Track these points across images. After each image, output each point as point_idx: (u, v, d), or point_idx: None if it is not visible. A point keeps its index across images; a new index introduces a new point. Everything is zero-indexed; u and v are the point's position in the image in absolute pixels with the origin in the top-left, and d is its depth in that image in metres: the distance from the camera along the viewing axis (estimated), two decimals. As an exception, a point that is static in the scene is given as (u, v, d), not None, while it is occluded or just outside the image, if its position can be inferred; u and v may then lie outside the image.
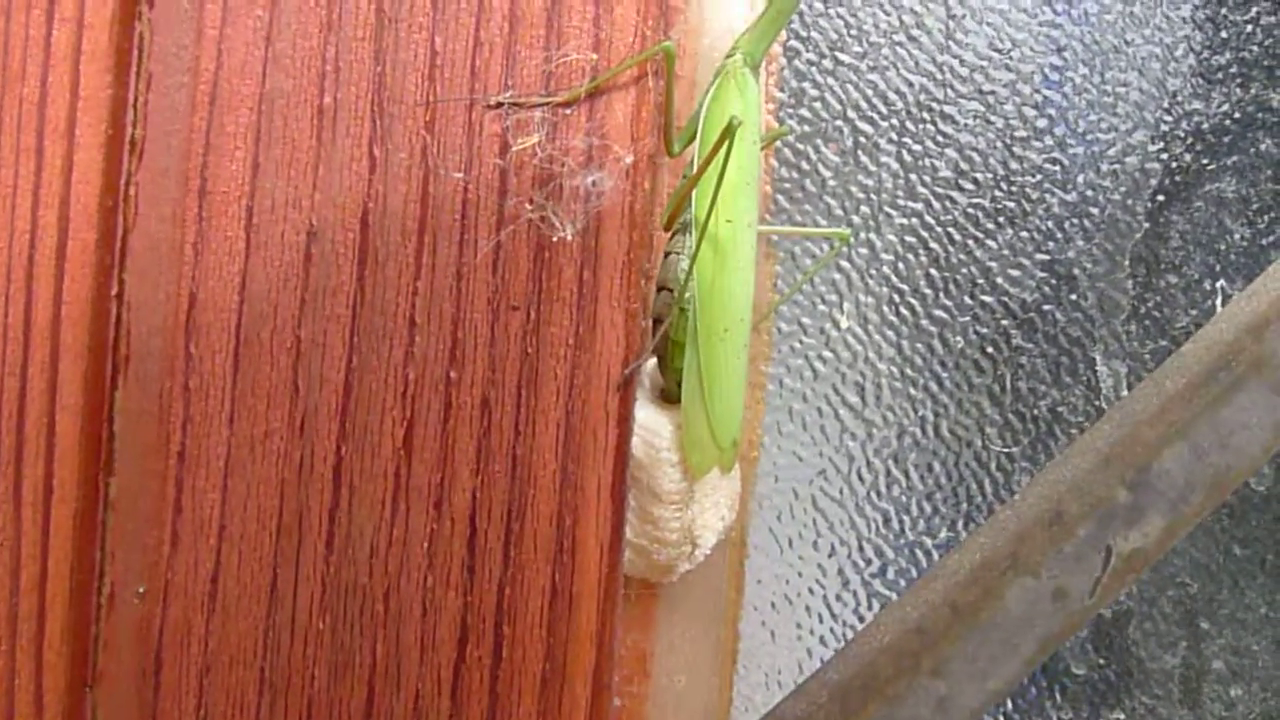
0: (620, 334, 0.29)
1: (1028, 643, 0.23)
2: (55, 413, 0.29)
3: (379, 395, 0.29)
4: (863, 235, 0.36)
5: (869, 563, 0.36)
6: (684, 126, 0.32)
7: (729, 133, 0.28)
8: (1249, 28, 0.37)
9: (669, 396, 0.33)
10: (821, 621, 0.37)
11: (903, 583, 0.36)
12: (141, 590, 0.29)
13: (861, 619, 0.36)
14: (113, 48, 0.29)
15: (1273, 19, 0.37)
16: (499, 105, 0.28)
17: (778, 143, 0.36)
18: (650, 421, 0.32)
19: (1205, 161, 0.37)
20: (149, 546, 0.29)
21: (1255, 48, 0.37)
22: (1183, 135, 0.37)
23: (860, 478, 0.37)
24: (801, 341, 0.37)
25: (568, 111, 0.29)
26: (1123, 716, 0.37)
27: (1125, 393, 0.37)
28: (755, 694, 0.36)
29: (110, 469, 0.29)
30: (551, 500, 0.29)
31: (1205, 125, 0.37)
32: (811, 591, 0.37)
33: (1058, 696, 0.37)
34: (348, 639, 0.29)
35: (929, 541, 0.36)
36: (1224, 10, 0.37)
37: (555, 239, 0.28)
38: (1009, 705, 0.37)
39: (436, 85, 0.29)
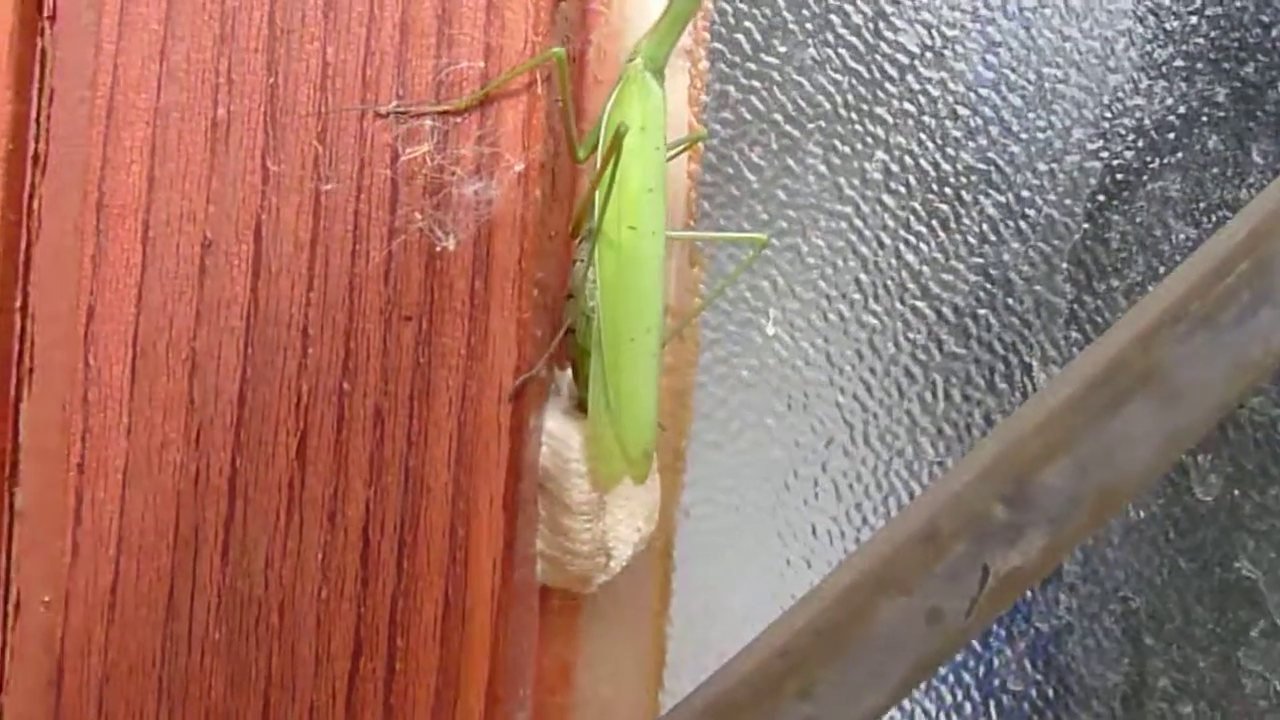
0: (512, 344, 0.28)
1: (900, 664, 0.23)
2: (-40, 424, 0.29)
3: (273, 406, 0.29)
4: (789, 240, 0.36)
5: (797, 572, 0.36)
6: (588, 132, 0.31)
7: (618, 140, 0.27)
8: (1194, 19, 0.36)
9: (583, 406, 0.33)
10: (752, 628, 0.36)
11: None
12: (47, 599, 0.29)
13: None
14: (14, 64, 0.29)
15: (1219, 9, 0.36)
16: (390, 114, 0.28)
17: (701, 147, 0.35)
18: (560, 431, 0.32)
19: (1148, 160, 0.36)
20: (52, 556, 0.29)
21: (1201, 40, 0.36)
22: (1124, 133, 0.36)
23: (787, 486, 0.36)
24: (727, 348, 0.36)
25: (458, 120, 0.28)
26: (1063, 733, 0.36)
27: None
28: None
29: (16, 479, 0.30)
30: (444, 512, 0.29)
31: (1148, 122, 0.36)
32: (741, 599, 0.36)
33: (993, 713, 0.36)
34: (244, 650, 0.29)
35: (853, 549, 0.36)
36: (1167, 2, 0.36)
37: (446, 249, 0.28)
38: (944, 720, 0.36)
39: (328, 96, 0.29)
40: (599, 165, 0.29)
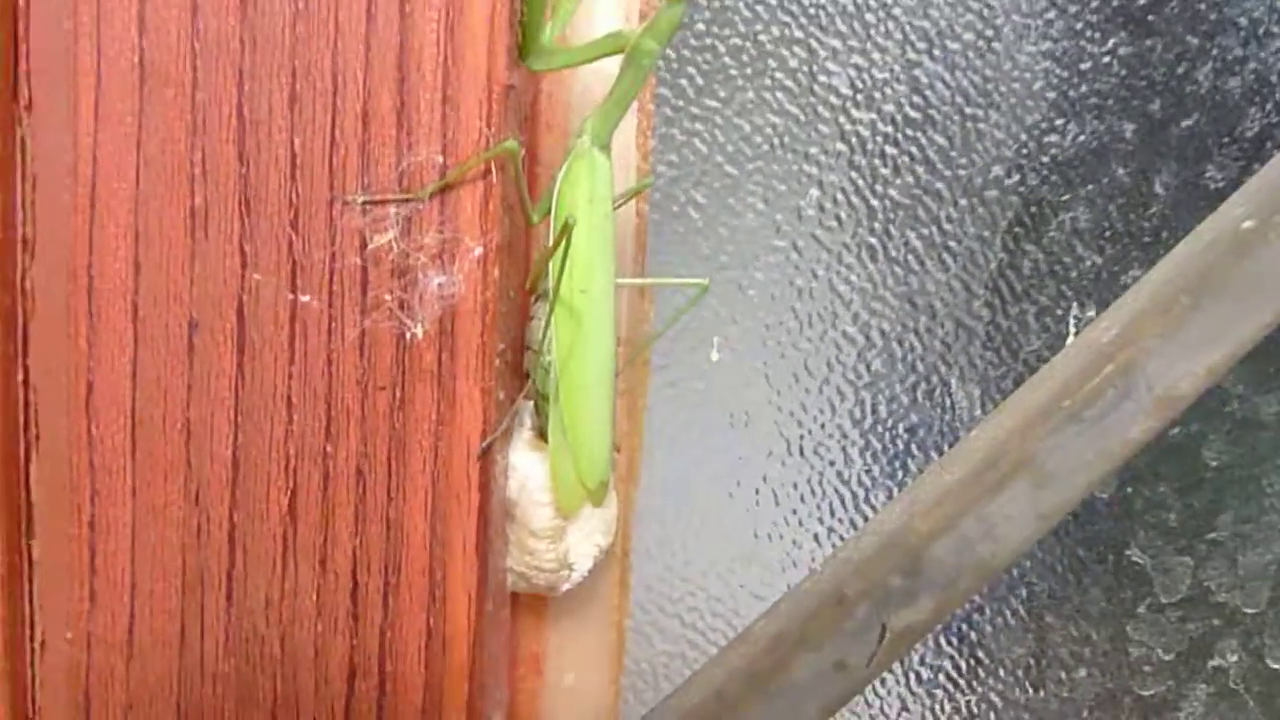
0: (478, 409, 0.32)
1: (811, 708, 0.27)
2: (-23, 488, 0.32)
3: (264, 468, 0.32)
4: (730, 273, 0.39)
5: (738, 573, 0.40)
6: (540, 198, 0.34)
7: (566, 231, 0.30)
8: (1106, 59, 0.39)
9: (544, 435, 0.36)
10: (702, 619, 0.41)
11: (769, 589, 0.40)
12: (69, 636, 0.33)
13: (735, 623, 0.40)
14: (-3, 153, 0.31)
15: (1130, 49, 0.39)
16: (356, 203, 0.31)
17: (650, 189, 0.38)
18: (523, 464, 0.35)
19: (1061, 193, 0.39)
20: (72, 600, 0.33)
21: (1112, 79, 0.39)
22: (1039, 168, 0.39)
23: (731, 495, 0.40)
24: (676, 373, 0.39)
25: (420, 207, 0.31)
26: (974, 699, 0.41)
27: (980, 413, 0.40)
28: (645, 689, 0.41)
29: (32, 533, 0.33)
30: (423, 556, 0.32)
31: (1061, 157, 0.39)
32: (693, 595, 0.41)
33: (913, 683, 0.41)
34: (251, 678, 0.33)
35: (795, 553, 0.40)
36: (1083, 43, 0.38)
37: (414, 327, 0.31)
38: (871, 693, 0.41)
39: (298, 184, 0.31)
40: (552, 240, 0.32)
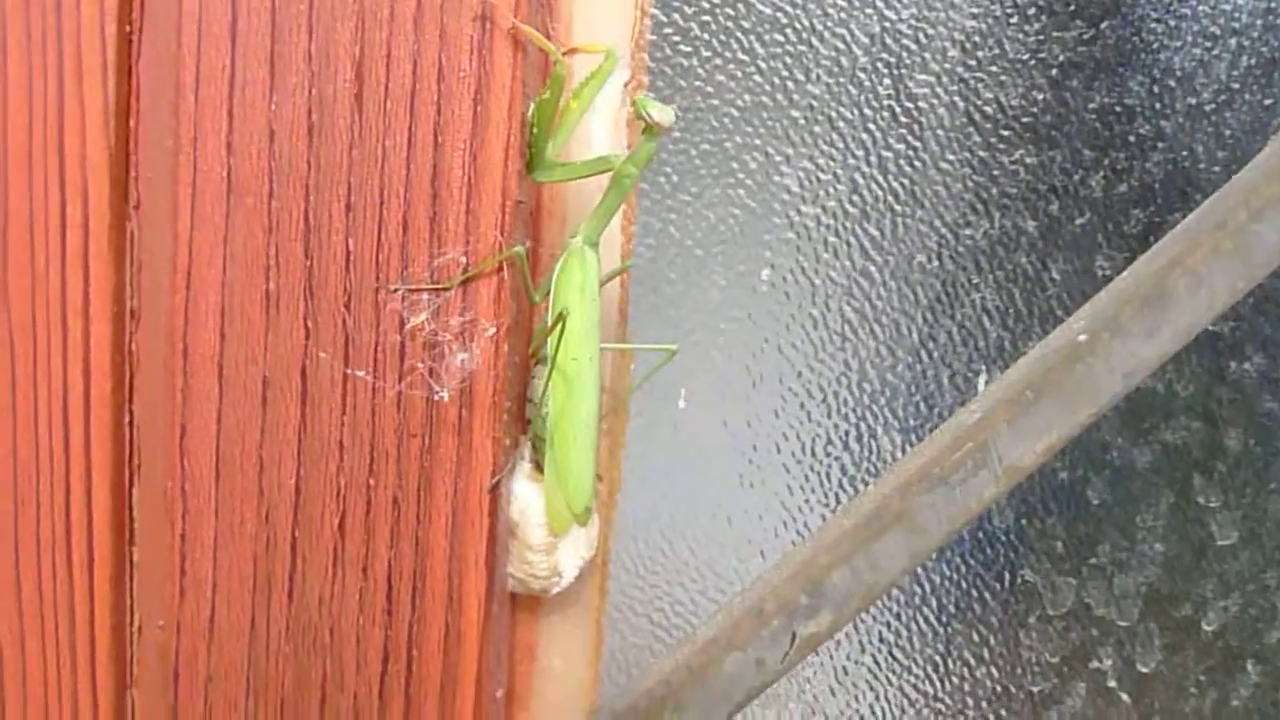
0: (489, 454, 0.40)
1: (738, 693, 0.36)
2: (92, 506, 0.41)
3: (319, 496, 0.40)
4: (696, 337, 0.47)
5: (695, 581, 0.49)
6: (541, 283, 0.42)
7: (561, 319, 0.38)
8: (1014, 166, 0.47)
9: (539, 466, 0.44)
10: (665, 619, 0.50)
11: (720, 594, 0.49)
12: (161, 624, 0.41)
13: (691, 621, 0.49)
14: (112, 242, 0.39)
15: (1034, 159, 0.47)
16: (396, 291, 0.39)
17: (631, 268, 0.46)
18: (523, 492, 0.44)
19: (973, 277, 0.47)
20: (164, 595, 0.41)
21: (1018, 183, 0.47)
22: (955, 256, 0.47)
23: (692, 519, 0.48)
24: (649, 417, 0.48)
25: (448, 296, 0.39)
26: (890, 690, 0.50)
27: (900, 455, 0.48)
28: (619, 674, 0.49)
29: (133, 542, 0.41)
30: (444, 567, 0.41)
31: (974, 247, 0.47)
32: (658, 599, 0.49)
33: (839, 676, 0.50)
34: (306, 660, 0.41)
35: (741, 567, 0.49)
36: (994, 154, 0.46)
37: (441, 392, 0.39)
38: (802, 685, 0.50)
39: (351, 275, 0.39)
40: (550, 322, 0.40)
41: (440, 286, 0.39)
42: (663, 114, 0.38)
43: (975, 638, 0.50)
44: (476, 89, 0.38)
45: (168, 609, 0.41)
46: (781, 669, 0.35)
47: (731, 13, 0.45)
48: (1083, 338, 0.35)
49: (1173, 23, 0.46)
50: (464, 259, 0.39)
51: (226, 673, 0.41)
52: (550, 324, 0.40)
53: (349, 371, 0.39)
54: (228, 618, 0.41)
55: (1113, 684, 0.50)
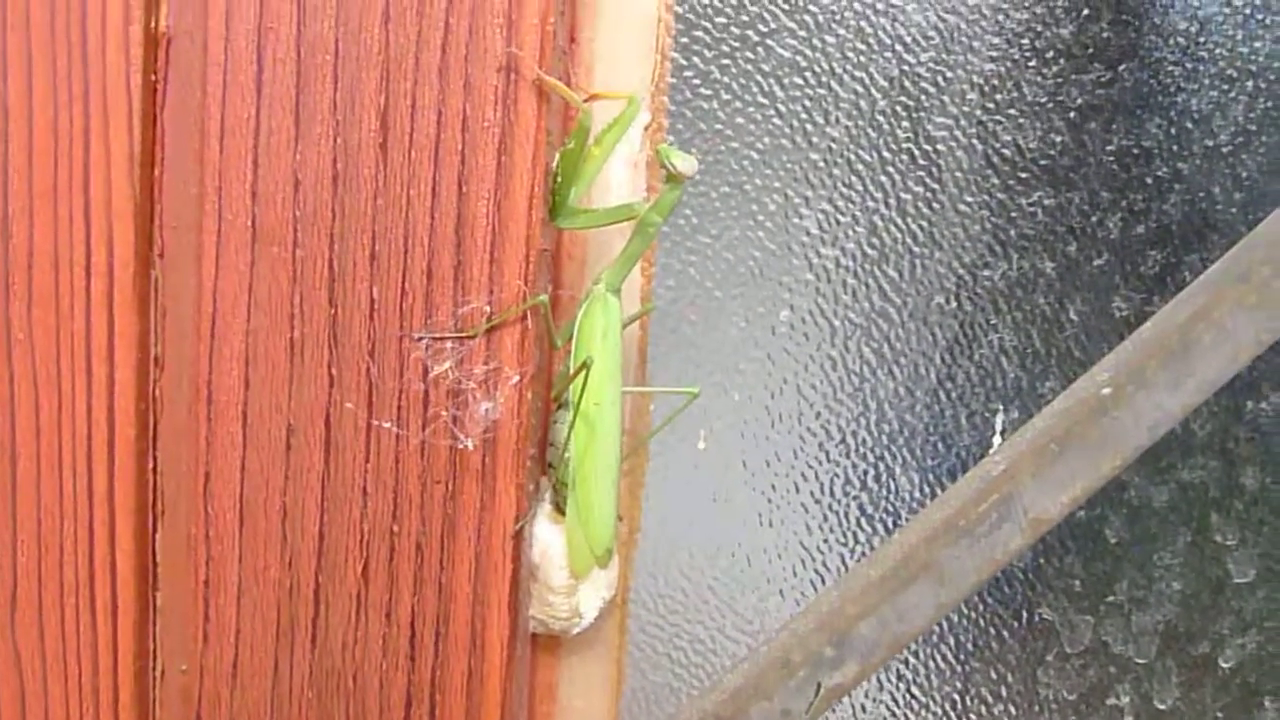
0: (512, 500, 0.40)
1: (764, 743, 0.36)
2: (115, 550, 0.41)
3: (343, 542, 0.40)
4: (716, 378, 0.47)
5: (714, 620, 0.49)
6: (563, 328, 0.42)
7: (584, 367, 0.38)
8: (1031, 208, 0.47)
9: (560, 507, 0.45)
10: (685, 657, 0.50)
11: (742, 635, 0.49)
12: (184, 668, 0.42)
13: (713, 660, 0.49)
14: (137, 288, 0.39)
15: (1052, 201, 0.47)
16: (420, 339, 0.39)
17: (652, 311, 0.46)
18: (544, 534, 0.44)
19: (991, 318, 0.47)
20: (187, 640, 0.41)
21: (1036, 225, 0.47)
22: (973, 297, 0.47)
23: (711, 559, 0.49)
24: (669, 458, 0.48)
25: (472, 344, 0.39)
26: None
27: (919, 495, 0.48)
28: (639, 713, 0.50)
29: (156, 586, 0.41)
30: (467, 611, 0.41)
31: (992, 288, 0.47)
32: (678, 638, 0.50)
33: (859, 715, 0.50)
34: (329, 704, 0.41)
35: (763, 606, 0.49)
36: (1012, 195, 0.47)
37: (465, 441, 0.39)
38: None
39: (375, 323, 0.39)
40: (572, 369, 0.40)
41: (464, 335, 0.39)
42: (686, 163, 0.38)
43: (993, 675, 0.50)
44: (501, 139, 0.38)
45: (191, 653, 0.41)
46: (807, 718, 0.35)
47: (751, 56, 0.45)
48: (1107, 390, 0.35)
49: (1190, 65, 0.46)
50: (488, 307, 0.39)
51: (250, 717, 0.41)
52: (573, 370, 0.40)
53: (373, 420, 0.39)
54: (251, 662, 0.41)
55: (1130, 721, 0.50)
